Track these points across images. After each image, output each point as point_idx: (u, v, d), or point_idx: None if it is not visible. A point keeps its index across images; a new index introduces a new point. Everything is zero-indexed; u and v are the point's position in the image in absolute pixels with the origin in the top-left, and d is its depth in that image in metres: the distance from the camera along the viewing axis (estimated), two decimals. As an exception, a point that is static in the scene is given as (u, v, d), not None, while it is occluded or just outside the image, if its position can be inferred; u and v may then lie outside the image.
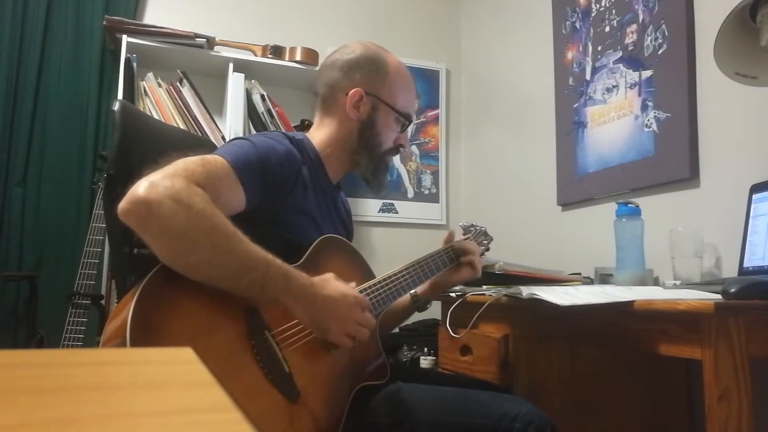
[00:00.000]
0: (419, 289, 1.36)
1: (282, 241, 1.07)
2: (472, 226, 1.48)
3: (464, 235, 1.44)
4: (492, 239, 1.52)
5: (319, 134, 1.23)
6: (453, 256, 1.32)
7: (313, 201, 1.14)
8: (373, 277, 1.17)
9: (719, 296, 0.96)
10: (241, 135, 2.32)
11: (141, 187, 0.84)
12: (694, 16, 1.71)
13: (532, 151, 2.46)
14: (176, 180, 0.86)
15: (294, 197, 1.08)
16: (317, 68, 2.49)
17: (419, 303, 1.38)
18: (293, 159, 1.09)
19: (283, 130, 1.41)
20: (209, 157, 0.97)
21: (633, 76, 1.90)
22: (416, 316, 1.45)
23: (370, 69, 1.22)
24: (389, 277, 1.16)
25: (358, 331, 0.99)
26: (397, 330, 1.64)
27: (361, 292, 1.10)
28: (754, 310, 0.95)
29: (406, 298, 1.36)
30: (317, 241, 1.09)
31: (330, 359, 1.02)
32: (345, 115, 1.21)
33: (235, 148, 1.02)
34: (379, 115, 1.22)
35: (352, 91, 1.20)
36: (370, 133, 1.21)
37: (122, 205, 0.84)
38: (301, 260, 1.05)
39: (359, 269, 1.18)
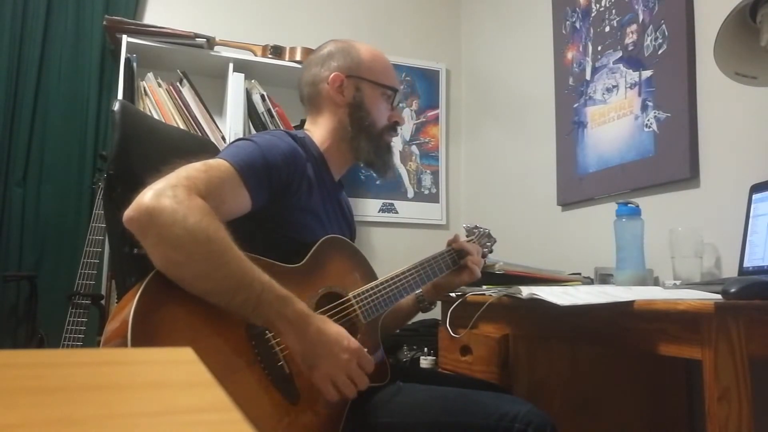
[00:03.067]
0: (423, 290, 1.35)
1: (287, 240, 1.07)
2: (476, 227, 1.47)
3: (467, 236, 1.43)
4: (495, 241, 1.51)
5: (315, 131, 1.24)
6: (455, 258, 1.32)
7: (318, 199, 1.14)
8: (376, 278, 1.17)
9: (719, 296, 0.96)
10: (241, 135, 2.32)
11: (146, 196, 0.85)
12: (694, 16, 1.71)
13: (532, 151, 2.46)
14: (178, 189, 0.86)
15: (299, 196, 1.08)
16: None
17: (424, 304, 1.37)
18: (298, 157, 1.09)
19: (285, 129, 1.42)
20: (212, 162, 0.97)
21: (633, 76, 1.90)
22: (417, 316, 1.45)
23: (343, 55, 1.25)
24: (391, 278, 1.16)
25: (346, 384, 0.93)
26: (397, 330, 1.64)
27: (363, 293, 1.10)
28: (754, 310, 0.95)
29: (410, 298, 1.35)
30: (320, 241, 1.09)
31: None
32: (332, 104, 1.23)
33: (239, 150, 1.02)
34: (365, 94, 1.23)
35: (332, 76, 1.22)
36: (361, 114, 1.22)
37: (127, 212, 0.85)
38: (304, 260, 1.05)
39: (362, 270, 1.17)
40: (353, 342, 0.95)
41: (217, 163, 0.97)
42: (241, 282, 0.87)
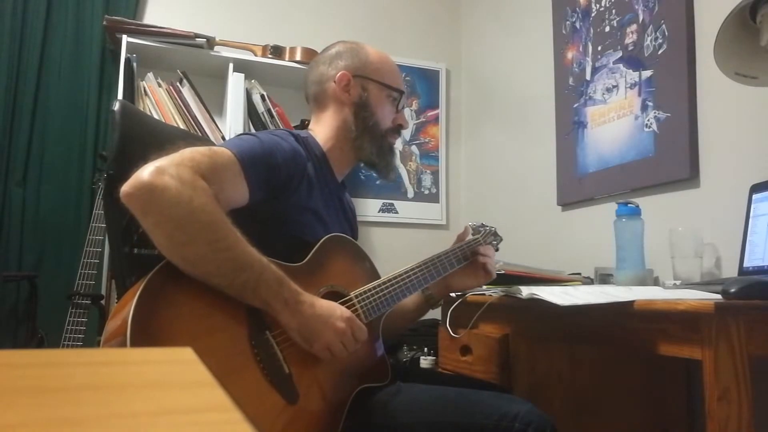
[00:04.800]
0: (433, 287, 1.33)
1: (289, 239, 1.07)
2: (482, 226, 1.46)
3: (473, 234, 1.42)
4: (501, 239, 1.50)
5: (319, 130, 1.24)
6: (468, 254, 1.31)
7: (318, 199, 1.14)
8: (379, 277, 1.16)
9: (719, 296, 0.96)
10: (241, 133, 2.32)
11: (146, 171, 0.84)
12: (694, 16, 1.71)
13: (532, 151, 2.45)
14: (182, 169, 0.86)
15: (299, 195, 1.08)
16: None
17: (432, 301, 1.35)
18: (299, 157, 1.09)
19: (288, 129, 1.42)
20: (217, 148, 0.98)
21: (633, 76, 1.90)
22: (415, 316, 1.44)
23: (351, 55, 1.25)
24: (394, 277, 1.15)
25: (341, 350, 0.98)
26: (407, 329, 1.62)
27: (365, 292, 1.10)
28: (754, 310, 0.95)
29: (418, 296, 1.34)
30: (323, 239, 1.09)
31: (330, 360, 1.02)
32: (338, 103, 1.23)
33: (242, 143, 1.03)
34: (371, 94, 1.23)
35: (339, 74, 1.22)
36: (366, 114, 1.22)
37: (125, 188, 0.84)
38: (307, 258, 1.05)
39: (365, 269, 1.17)
40: (346, 311, 0.99)
41: (221, 150, 0.97)
42: (243, 264, 0.88)
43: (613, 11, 2.01)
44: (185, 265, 0.86)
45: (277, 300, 0.91)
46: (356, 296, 1.08)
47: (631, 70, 1.92)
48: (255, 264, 0.90)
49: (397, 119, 1.27)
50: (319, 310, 0.96)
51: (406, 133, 2.90)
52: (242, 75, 2.45)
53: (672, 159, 1.73)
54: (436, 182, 2.94)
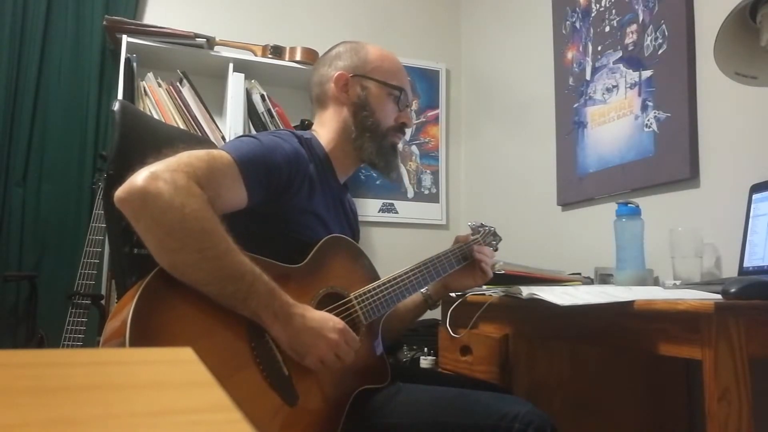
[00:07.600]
0: (432, 289, 1.34)
1: (290, 240, 1.07)
2: (482, 226, 1.46)
3: (473, 234, 1.42)
4: (501, 239, 1.50)
5: (322, 131, 1.24)
6: (467, 254, 1.31)
7: (320, 200, 1.13)
8: (378, 278, 1.16)
9: (719, 296, 0.97)
10: (241, 135, 2.32)
11: (140, 177, 0.84)
12: (694, 16, 1.71)
13: (532, 151, 2.45)
14: (177, 174, 0.86)
15: (300, 197, 1.08)
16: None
17: (431, 301, 1.36)
18: (300, 158, 1.09)
19: (291, 130, 1.40)
20: (215, 152, 0.97)
21: (633, 76, 1.90)
22: (415, 316, 1.44)
23: (351, 55, 1.25)
24: (394, 278, 1.15)
25: (334, 362, 0.97)
26: (406, 329, 1.62)
27: (365, 293, 1.10)
28: (754, 310, 0.95)
29: (417, 297, 1.35)
30: (322, 240, 1.09)
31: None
32: (337, 103, 1.23)
33: (242, 145, 1.02)
34: (370, 93, 1.22)
35: (337, 75, 1.22)
36: (365, 113, 1.21)
37: (119, 193, 0.84)
38: (306, 259, 1.05)
39: (364, 270, 1.17)
40: (338, 322, 0.98)
41: (219, 154, 0.97)
42: (233, 274, 0.88)
43: (613, 11, 2.01)
44: (175, 271, 0.85)
45: (267, 312, 0.90)
46: (356, 297, 1.08)
47: (631, 70, 1.92)
48: (246, 274, 0.88)
49: (399, 117, 1.26)
50: (310, 322, 0.94)
51: (406, 133, 2.90)
52: (242, 75, 2.45)
53: (672, 159, 1.73)
54: (436, 182, 2.94)
